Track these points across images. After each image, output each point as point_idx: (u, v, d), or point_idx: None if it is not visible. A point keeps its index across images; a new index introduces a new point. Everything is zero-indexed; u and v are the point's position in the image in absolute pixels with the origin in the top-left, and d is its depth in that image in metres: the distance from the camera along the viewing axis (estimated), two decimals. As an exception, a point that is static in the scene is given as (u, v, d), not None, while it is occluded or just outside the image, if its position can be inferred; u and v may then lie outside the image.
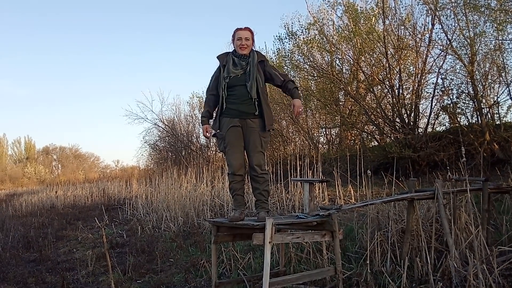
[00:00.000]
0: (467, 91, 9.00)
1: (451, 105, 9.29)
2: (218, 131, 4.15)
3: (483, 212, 4.50)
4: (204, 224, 7.18)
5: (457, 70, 9.10)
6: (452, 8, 8.64)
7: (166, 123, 19.17)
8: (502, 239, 4.42)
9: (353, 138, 13.07)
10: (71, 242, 8.06)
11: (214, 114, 4.25)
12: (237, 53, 4.12)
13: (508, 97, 8.59)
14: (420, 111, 9.95)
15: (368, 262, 4.01)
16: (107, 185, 16.01)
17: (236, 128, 4.06)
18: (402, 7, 9.84)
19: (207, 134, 4.17)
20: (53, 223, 10.31)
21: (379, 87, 10.81)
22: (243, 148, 4.12)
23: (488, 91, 8.96)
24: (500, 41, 8.38)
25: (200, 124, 4.27)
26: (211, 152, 17.80)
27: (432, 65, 9.68)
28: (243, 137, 4.09)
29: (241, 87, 4.03)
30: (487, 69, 8.85)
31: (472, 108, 9.01)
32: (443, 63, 9.34)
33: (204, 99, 4.56)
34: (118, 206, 10.86)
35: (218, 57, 4.21)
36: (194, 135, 18.69)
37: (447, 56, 9.19)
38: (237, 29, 4.16)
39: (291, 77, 13.61)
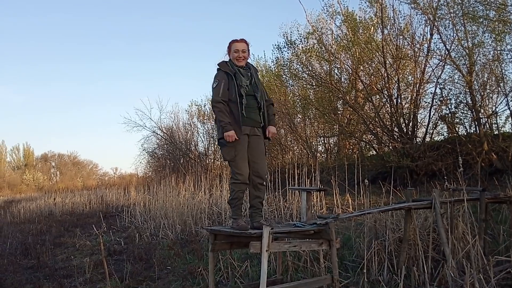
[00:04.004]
0: (465, 101, 9.05)
1: (450, 114, 9.33)
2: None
3: (480, 222, 4.51)
4: (202, 232, 7.16)
5: (456, 80, 9.15)
6: (450, 19, 8.70)
7: (165, 131, 19.19)
8: (499, 248, 4.43)
9: (351, 147, 13.09)
10: (68, 249, 8.03)
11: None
12: (234, 64, 4.17)
13: (506, 107, 8.64)
14: (419, 120, 10.00)
15: (365, 271, 4.01)
16: (105, 193, 15.98)
17: (245, 137, 4.05)
18: (401, 17, 9.95)
19: (235, 138, 3.95)
20: (51, 230, 10.28)
21: (378, 96, 10.86)
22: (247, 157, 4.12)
23: (487, 101, 9.00)
24: (498, 52, 8.44)
25: (224, 129, 3.93)
26: (209, 160, 17.81)
27: (430, 75, 9.76)
28: (247, 145, 4.10)
29: (250, 97, 4.09)
30: (485, 79, 8.91)
31: (470, 118, 9.05)
32: (441, 73, 9.41)
33: (212, 106, 4.19)
34: (116, 213, 10.85)
35: (221, 65, 4.19)
36: (193, 143, 18.73)
37: (445, 66, 9.26)
38: (233, 41, 4.19)
39: (289, 86, 13.80)
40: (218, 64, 4.20)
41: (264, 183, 4.19)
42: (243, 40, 4.19)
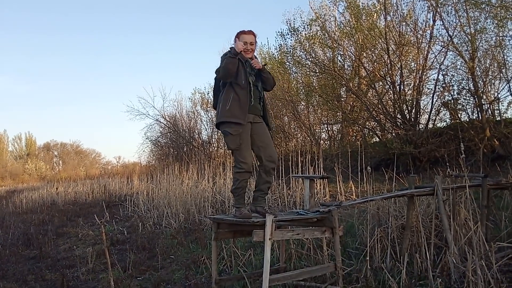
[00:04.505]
0: (467, 87, 8.99)
1: (452, 101, 9.27)
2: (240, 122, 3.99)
3: (482, 208, 4.51)
4: (205, 220, 7.18)
5: (458, 66, 9.08)
6: (453, 5, 8.62)
7: (168, 119, 19.14)
8: (501, 235, 4.43)
9: (354, 134, 13.06)
10: (71, 239, 8.08)
11: (229, 105, 4.00)
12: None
13: (508, 93, 8.59)
14: (421, 107, 9.94)
15: (368, 258, 4.03)
16: (108, 182, 16.02)
17: (248, 125, 4.05)
18: (404, 3, 9.83)
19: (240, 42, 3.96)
20: (54, 220, 10.33)
21: (381, 83, 10.78)
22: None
23: (489, 87, 8.95)
24: (500, 38, 8.36)
25: (232, 58, 3.94)
26: (213, 148, 17.80)
27: (433, 61, 9.68)
28: (252, 132, 4.10)
29: (254, 87, 4.11)
30: (487, 65, 8.84)
31: (472, 104, 9.00)
32: (444, 59, 9.32)
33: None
34: (119, 202, 10.89)
35: (233, 50, 4.13)
36: (196, 131, 18.69)
37: (448, 52, 9.18)
38: (242, 32, 4.15)
39: (292, 73, 13.74)
40: (230, 48, 4.18)
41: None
42: (251, 32, 4.16)
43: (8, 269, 6.02)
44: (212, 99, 4.54)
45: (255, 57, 4.22)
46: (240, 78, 4.01)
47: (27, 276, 5.65)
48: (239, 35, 4.15)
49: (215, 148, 17.65)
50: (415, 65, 9.93)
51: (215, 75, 4.21)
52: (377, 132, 11.57)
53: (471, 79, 8.78)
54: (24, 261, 6.58)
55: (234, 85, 4.00)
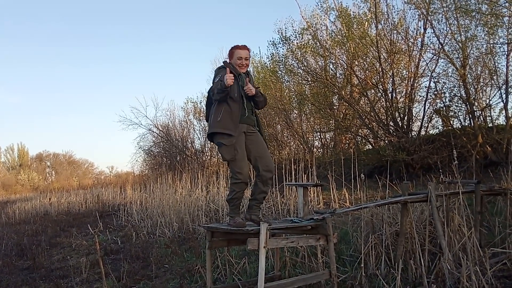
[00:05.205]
0: (459, 94, 9.08)
1: (444, 108, 9.36)
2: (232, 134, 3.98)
3: (476, 214, 4.54)
4: (199, 229, 7.16)
5: (450, 74, 9.18)
6: (443, 13, 8.72)
7: (161, 129, 19.12)
8: (495, 240, 4.45)
9: (347, 141, 13.12)
10: (65, 249, 8.01)
11: (221, 117, 3.99)
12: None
13: (500, 100, 8.67)
14: (414, 114, 10.02)
15: (362, 265, 4.03)
16: (102, 192, 15.93)
17: (242, 135, 4.05)
18: (394, 12, 9.96)
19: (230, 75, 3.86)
20: (47, 230, 10.24)
21: (373, 91, 10.86)
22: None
23: (480, 94, 9.04)
24: (491, 45, 8.46)
25: (222, 82, 3.84)
26: (206, 157, 17.79)
27: (424, 69, 9.77)
28: (246, 143, 4.10)
29: (247, 100, 4.12)
30: (479, 72, 8.95)
31: (464, 111, 9.09)
32: (435, 67, 9.42)
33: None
34: (113, 212, 10.82)
35: (226, 64, 4.14)
36: (189, 140, 18.68)
37: (439, 60, 9.28)
38: (237, 47, 4.16)
39: (285, 81, 13.81)
40: (223, 62, 4.19)
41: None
42: (245, 47, 4.18)
43: (1, 280, 5.96)
44: (205, 109, 4.54)
45: (248, 74, 4.24)
46: (233, 91, 4.01)
47: (20, 287, 5.60)
48: (234, 49, 4.16)
49: (208, 157, 17.64)
50: (407, 72, 10.02)
51: (208, 90, 4.23)
52: (370, 139, 11.63)
53: (462, 86, 8.87)
54: (18, 272, 6.51)
55: (229, 97, 4.01)
